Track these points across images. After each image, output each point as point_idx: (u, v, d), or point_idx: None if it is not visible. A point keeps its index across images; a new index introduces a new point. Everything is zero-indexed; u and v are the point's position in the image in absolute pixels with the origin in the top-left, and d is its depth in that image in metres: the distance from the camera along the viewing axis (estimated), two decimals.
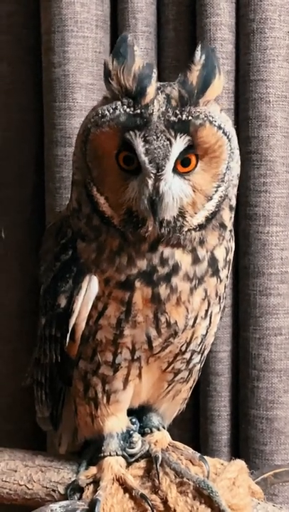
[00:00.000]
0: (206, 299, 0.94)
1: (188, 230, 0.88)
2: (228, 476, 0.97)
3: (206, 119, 0.85)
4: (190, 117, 0.84)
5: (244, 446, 1.35)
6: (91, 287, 0.92)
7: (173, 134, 0.83)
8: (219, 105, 0.91)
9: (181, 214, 0.87)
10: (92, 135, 0.88)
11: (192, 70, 0.84)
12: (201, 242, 0.91)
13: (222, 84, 0.87)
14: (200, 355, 1.00)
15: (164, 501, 0.94)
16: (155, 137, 0.83)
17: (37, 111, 1.45)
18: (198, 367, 1.02)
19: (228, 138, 0.88)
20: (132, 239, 0.89)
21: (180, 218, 0.87)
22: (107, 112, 0.85)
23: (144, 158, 0.83)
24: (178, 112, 0.83)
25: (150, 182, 0.84)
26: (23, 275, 1.47)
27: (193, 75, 0.84)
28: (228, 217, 0.93)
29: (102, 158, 0.88)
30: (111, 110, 0.84)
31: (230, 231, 0.96)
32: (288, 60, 1.30)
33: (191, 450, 1.01)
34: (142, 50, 1.36)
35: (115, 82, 0.84)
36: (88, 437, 1.04)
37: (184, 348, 0.96)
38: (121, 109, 0.84)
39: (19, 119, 1.48)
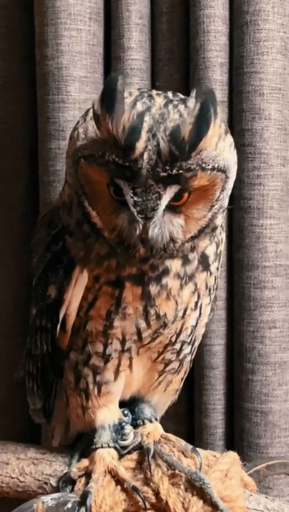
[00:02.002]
0: (196, 292, 0.94)
1: (181, 244, 0.88)
2: (220, 468, 0.97)
3: (197, 168, 0.82)
4: (180, 171, 0.80)
5: (239, 439, 1.35)
6: (81, 278, 0.91)
7: (162, 187, 0.81)
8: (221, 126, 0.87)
9: (172, 240, 0.87)
10: (81, 164, 0.86)
11: (185, 123, 0.79)
12: (193, 248, 0.91)
13: (217, 129, 0.83)
14: (190, 346, 1.00)
15: (156, 493, 0.94)
16: (144, 190, 0.81)
17: (31, 104, 1.44)
18: (189, 358, 1.02)
19: (223, 171, 0.86)
20: (122, 254, 0.88)
21: (171, 243, 0.87)
22: (95, 153, 0.83)
23: (133, 209, 0.82)
24: (168, 168, 0.80)
25: (139, 226, 0.83)
26: (19, 270, 1.47)
27: (186, 129, 0.78)
28: (220, 220, 0.92)
29: (93, 184, 0.87)
30: (100, 153, 0.82)
31: (220, 225, 0.95)
32: (282, 52, 1.29)
33: (183, 442, 1.01)
34: (135, 43, 1.35)
35: (104, 130, 0.81)
36: (80, 429, 1.04)
37: (173, 339, 0.96)
38: (109, 157, 0.81)
39: (13, 113, 1.48)
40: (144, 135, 0.79)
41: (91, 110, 0.85)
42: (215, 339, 1.36)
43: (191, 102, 0.81)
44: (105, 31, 1.39)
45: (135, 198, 0.81)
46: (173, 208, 0.85)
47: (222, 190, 0.87)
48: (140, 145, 0.79)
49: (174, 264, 0.90)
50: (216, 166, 0.83)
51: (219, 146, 0.84)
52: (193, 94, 0.82)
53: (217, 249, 0.95)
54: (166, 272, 0.90)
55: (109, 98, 0.79)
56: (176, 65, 1.37)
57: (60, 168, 1.35)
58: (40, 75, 1.36)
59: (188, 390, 1.41)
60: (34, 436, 1.43)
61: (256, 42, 1.28)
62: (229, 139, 0.88)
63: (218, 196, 0.87)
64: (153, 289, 0.90)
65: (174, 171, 0.80)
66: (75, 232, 0.91)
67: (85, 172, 0.86)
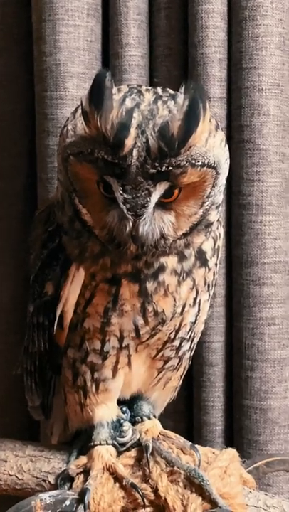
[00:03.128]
0: (194, 288, 0.93)
1: (173, 241, 0.87)
2: (219, 465, 0.96)
3: (187, 165, 0.81)
4: (170, 168, 0.79)
5: (238, 436, 1.34)
6: (78, 275, 0.91)
7: (152, 184, 0.80)
8: (212, 120, 0.86)
9: (163, 237, 0.86)
10: (71, 161, 0.85)
11: (174, 119, 0.77)
12: (187, 245, 0.90)
13: (207, 124, 0.82)
14: (189, 343, 0.99)
15: (155, 490, 0.93)
16: (133, 187, 0.80)
17: (29, 101, 1.44)
18: (188, 354, 1.02)
19: (213, 167, 0.85)
20: (113, 251, 0.87)
21: (162, 240, 0.86)
22: (84, 151, 0.82)
23: (123, 206, 0.81)
24: (156, 164, 0.79)
25: (129, 223, 0.82)
26: (17, 267, 1.46)
27: (174, 126, 0.77)
28: (214, 216, 0.91)
29: (83, 181, 0.86)
30: (88, 150, 0.81)
31: (217, 220, 0.94)
32: (281, 47, 1.28)
33: (182, 439, 1.00)
34: (133, 39, 1.35)
35: (93, 127, 0.80)
36: (78, 426, 1.03)
37: (172, 336, 0.96)
38: (98, 155, 0.80)
39: (11, 110, 1.47)
40: (132, 132, 0.78)
41: (80, 107, 0.84)
42: (214, 336, 1.36)
43: (180, 97, 0.80)
44: (103, 27, 1.39)
45: (125, 195, 0.80)
46: (163, 205, 0.84)
47: (213, 187, 0.87)
48: (129, 142, 0.78)
49: (170, 261, 0.90)
50: (206, 162, 0.83)
51: (209, 142, 0.84)
52: (182, 89, 0.81)
53: (214, 244, 0.94)
54: (162, 268, 0.89)
55: (97, 95, 0.78)
56: (175, 61, 1.36)
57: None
58: (38, 72, 1.36)
59: (188, 387, 1.40)
60: (33, 433, 1.43)
61: (255, 37, 1.27)
62: (220, 135, 0.87)
63: (209, 193, 0.87)
64: (150, 285, 0.90)
65: (164, 167, 0.79)
66: (69, 231, 0.91)
67: (75, 169, 0.85)
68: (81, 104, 0.81)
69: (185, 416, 1.43)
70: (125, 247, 0.85)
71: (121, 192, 0.80)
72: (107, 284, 0.90)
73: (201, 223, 0.89)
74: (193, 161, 0.81)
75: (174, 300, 0.92)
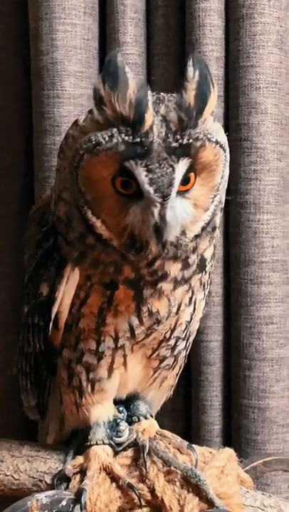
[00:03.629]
0: (190, 290, 0.93)
1: (186, 244, 0.87)
2: (216, 465, 0.96)
3: (205, 138, 0.81)
4: (190, 140, 0.80)
5: (236, 436, 1.34)
6: (73, 275, 0.90)
7: (175, 159, 0.79)
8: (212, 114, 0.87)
9: (183, 232, 0.86)
10: (85, 162, 0.82)
11: (187, 90, 0.78)
12: (194, 250, 0.90)
13: (216, 96, 0.83)
14: (185, 342, 0.99)
15: (152, 490, 0.93)
16: (158, 165, 0.79)
17: (26, 100, 1.44)
18: (183, 353, 1.01)
19: (223, 149, 0.86)
20: (132, 259, 0.86)
21: (182, 236, 0.86)
22: (102, 140, 0.80)
23: (149, 188, 0.79)
24: (178, 137, 0.79)
25: (156, 210, 0.80)
26: (14, 267, 1.46)
27: (190, 95, 0.78)
28: (218, 220, 0.92)
29: (97, 183, 0.84)
30: (106, 138, 0.79)
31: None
32: (278, 45, 1.28)
33: (179, 439, 1.00)
34: (130, 37, 1.35)
35: (109, 109, 0.78)
36: (75, 426, 1.03)
37: (168, 335, 0.95)
38: (118, 138, 0.78)
39: (8, 109, 1.47)
40: (150, 107, 0.78)
41: (80, 117, 0.85)
42: (212, 335, 1.35)
43: (190, 70, 0.80)
44: (100, 26, 1.38)
45: (150, 176, 0.79)
46: (182, 194, 0.84)
47: (222, 177, 0.88)
48: (149, 117, 0.78)
49: (173, 269, 0.89)
50: (218, 139, 0.84)
51: (215, 124, 0.86)
52: (190, 62, 0.80)
53: (214, 251, 0.95)
54: (164, 276, 0.89)
55: (111, 75, 0.78)
56: (172, 60, 1.36)
57: (54, 164, 1.33)
58: (35, 70, 1.35)
59: (186, 386, 1.40)
60: (30, 433, 1.43)
61: (252, 36, 1.27)
62: (218, 124, 0.88)
63: (219, 184, 0.88)
64: (146, 292, 0.89)
65: (185, 140, 0.79)
66: (75, 245, 0.89)
67: (88, 172, 0.83)
68: (94, 90, 0.80)
69: (183, 415, 1.43)
70: (146, 250, 0.84)
71: (146, 173, 0.79)
72: (101, 286, 0.90)
73: (209, 225, 0.89)
74: (209, 136, 0.82)
75: (169, 301, 0.91)
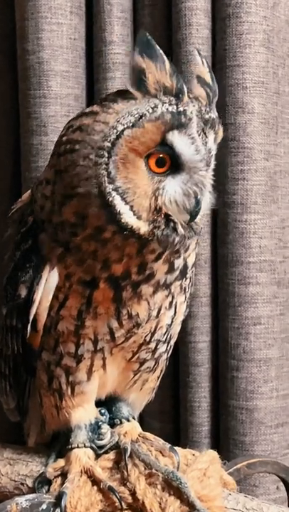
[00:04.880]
0: (170, 295, 0.93)
1: (187, 237, 0.89)
2: (198, 467, 0.96)
3: (217, 116, 0.87)
4: (216, 115, 0.86)
5: (224, 437, 1.34)
6: (51, 277, 0.90)
7: (210, 131, 0.85)
8: None
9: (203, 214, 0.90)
10: (123, 139, 0.82)
11: (203, 72, 0.86)
12: (186, 249, 0.91)
13: None
14: (166, 345, 0.98)
15: (133, 493, 0.92)
16: (199, 134, 0.83)
17: (13, 99, 1.43)
18: (164, 356, 1.01)
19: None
20: (156, 247, 0.86)
21: (201, 218, 0.89)
22: (145, 112, 0.81)
23: (194, 157, 0.83)
24: (208, 110, 0.85)
25: (200, 178, 0.85)
26: (1, 267, 1.45)
27: (207, 77, 0.86)
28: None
29: (130, 164, 0.83)
30: (150, 109, 0.81)
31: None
32: (265, 45, 1.28)
33: (161, 441, 0.99)
34: (117, 37, 1.34)
35: (152, 81, 0.81)
36: (56, 429, 1.02)
37: (148, 338, 0.95)
38: (163, 108, 0.81)
39: None
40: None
41: (88, 109, 0.86)
42: (199, 336, 1.35)
43: (197, 57, 0.88)
44: (87, 25, 1.38)
45: (196, 143, 0.83)
46: None
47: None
48: (186, 88, 0.83)
49: (160, 269, 0.89)
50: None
51: None
52: (196, 52, 0.90)
53: (195, 259, 0.96)
54: (149, 277, 0.89)
55: (149, 50, 0.81)
56: None
57: (42, 165, 1.34)
58: (22, 70, 1.35)
59: (174, 387, 1.40)
60: (17, 435, 1.42)
61: (239, 35, 1.27)
62: None
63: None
64: (125, 294, 0.89)
65: (212, 114, 0.85)
66: (75, 244, 0.87)
67: (123, 151, 0.82)
68: (134, 67, 0.82)
69: (171, 417, 1.42)
70: (177, 231, 0.85)
71: (191, 141, 0.83)
72: (81, 285, 0.89)
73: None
74: (218, 115, 0.88)
75: (149, 304, 0.91)
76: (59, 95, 1.33)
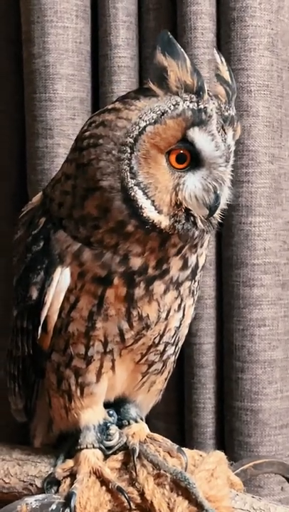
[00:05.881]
0: (179, 297, 0.94)
1: (206, 232, 0.91)
2: (206, 468, 0.96)
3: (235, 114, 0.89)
4: (234, 112, 0.88)
5: (229, 438, 1.34)
6: (63, 279, 0.90)
7: (228, 127, 0.86)
8: None
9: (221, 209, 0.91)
10: (145, 135, 0.84)
11: (222, 71, 0.88)
12: (201, 245, 0.92)
13: None
14: (174, 347, 0.99)
15: (141, 494, 0.93)
16: (218, 131, 0.85)
17: (18, 103, 1.44)
18: (172, 358, 1.01)
19: None
20: (177, 241, 0.88)
21: (219, 212, 0.91)
22: (167, 109, 0.83)
23: (214, 153, 0.85)
24: (227, 107, 0.87)
25: (218, 175, 0.86)
26: (6, 268, 1.45)
27: (226, 75, 0.88)
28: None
29: (151, 159, 0.85)
30: (172, 106, 0.83)
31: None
32: (269, 48, 1.28)
33: (169, 442, 1.00)
34: (122, 40, 1.35)
35: (173, 79, 0.83)
36: (64, 430, 1.03)
37: (157, 340, 0.95)
38: (184, 105, 0.83)
39: (1, 112, 1.47)
40: None
41: (109, 105, 0.88)
42: (204, 338, 1.35)
43: (217, 56, 0.90)
44: (92, 29, 1.39)
45: (216, 140, 0.85)
46: None
47: None
48: (206, 86, 0.85)
49: (175, 265, 0.90)
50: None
51: None
52: (215, 50, 0.92)
53: (204, 261, 0.98)
54: (164, 273, 0.90)
55: (171, 48, 0.83)
56: None
57: (47, 167, 1.35)
58: (27, 74, 1.36)
59: (179, 388, 1.40)
60: (22, 436, 1.42)
61: (243, 38, 1.28)
62: None
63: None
64: (137, 291, 0.90)
65: (231, 111, 0.87)
66: (97, 239, 0.88)
67: (145, 147, 0.84)
68: (156, 64, 0.84)
69: (176, 418, 1.43)
70: (197, 225, 0.87)
71: (211, 137, 0.85)
72: (94, 284, 0.90)
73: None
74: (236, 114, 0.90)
75: (159, 305, 0.92)
76: (64, 98, 1.34)
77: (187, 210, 0.87)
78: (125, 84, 1.35)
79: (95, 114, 0.90)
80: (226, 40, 1.29)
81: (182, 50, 0.84)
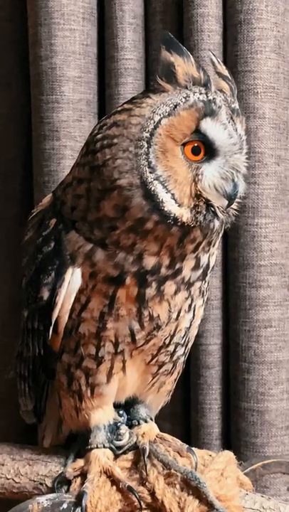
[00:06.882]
0: (190, 297, 0.94)
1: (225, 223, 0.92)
2: (216, 467, 0.97)
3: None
4: (238, 106, 0.90)
5: (235, 438, 1.35)
6: (74, 280, 0.91)
7: (237, 118, 0.89)
8: None
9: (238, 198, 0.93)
10: (161, 128, 0.85)
11: (222, 69, 0.91)
12: (213, 245, 0.93)
13: None
14: (184, 348, 1.00)
15: (152, 493, 0.93)
16: (229, 121, 0.87)
17: (25, 105, 1.44)
18: (182, 359, 1.02)
19: None
20: (198, 235, 0.88)
21: (236, 203, 0.93)
22: (179, 101, 0.85)
23: (228, 140, 0.87)
24: (233, 100, 0.89)
25: (234, 162, 0.88)
26: (13, 269, 1.47)
27: (226, 72, 0.91)
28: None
29: (168, 153, 0.86)
30: (183, 99, 0.85)
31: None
32: (276, 50, 1.29)
33: (179, 442, 1.00)
34: (129, 43, 1.35)
35: (181, 73, 0.86)
36: (74, 430, 1.03)
37: (167, 341, 0.96)
38: (194, 97, 0.85)
39: (7, 114, 1.48)
40: None
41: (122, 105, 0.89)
42: (211, 338, 1.36)
43: (213, 58, 0.92)
44: (99, 31, 1.39)
45: (228, 129, 0.87)
46: None
47: None
48: (211, 79, 0.88)
49: (188, 265, 0.91)
50: None
51: None
52: (211, 54, 0.95)
53: (214, 262, 0.98)
54: (177, 272, 0.90)
55: (175, 46, 0.86)
56: None
57: (54, 169, 1.35)
58: (34, 76, 1.36)
59: (185, 389, 1.40)
60: (30, 437, 1.43)
61: (250, 41, 1.28)
62: None
63: None
64: (149, 291, 0.90)
65: (236, 104, 0.90)
66: (114, 240, 0.88)
67: (162, 140, 0.85)
68: (162, 61, 0.86)
69: (182, 418, 1.43)
70: (216, 216, 0.88)
71: (224, 127, 0.87)
72: (106, 284, 0.90)
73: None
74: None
75: (169, 306, 0.92)
76: (71, 100, 1.34)
77: (207, 201, 0.88)
78: (132, 86, 1.35)
79: (104, 119, 0.91)
80: (232, 42, 1.30)
81: (184, 47, 0.87)
